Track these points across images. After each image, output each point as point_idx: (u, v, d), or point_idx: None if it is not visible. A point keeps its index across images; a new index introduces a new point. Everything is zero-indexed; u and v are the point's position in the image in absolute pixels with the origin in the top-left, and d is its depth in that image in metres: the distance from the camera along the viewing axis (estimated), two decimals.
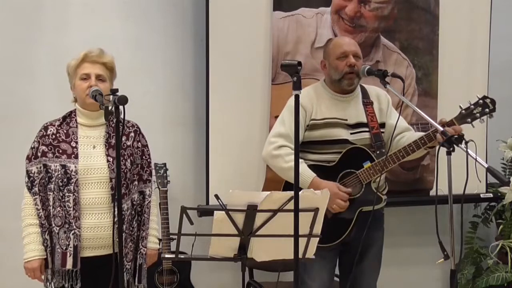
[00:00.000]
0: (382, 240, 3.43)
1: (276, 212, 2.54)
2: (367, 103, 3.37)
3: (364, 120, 3.33)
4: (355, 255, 3.24)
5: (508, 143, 4.33)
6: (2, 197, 3.75)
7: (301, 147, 3.21)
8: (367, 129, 3.32)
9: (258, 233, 2.58)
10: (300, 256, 2.55)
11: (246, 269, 2.89)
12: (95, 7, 3.90)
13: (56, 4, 3.85)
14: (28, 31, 3.82)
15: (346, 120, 3.30)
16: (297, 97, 2.41)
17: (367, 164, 3.24)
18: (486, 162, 3.25)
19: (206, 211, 3.52)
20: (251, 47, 3.92)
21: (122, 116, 2.57)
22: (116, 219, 2.88)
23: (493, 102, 3.10)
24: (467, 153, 2.83)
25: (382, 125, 3.39)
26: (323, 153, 3.27)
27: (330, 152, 3.26)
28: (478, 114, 3.11)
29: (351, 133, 3.29)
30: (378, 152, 3.27)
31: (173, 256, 2.89)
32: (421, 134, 3.30)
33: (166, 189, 3.77)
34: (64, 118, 3.06)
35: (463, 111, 3.12)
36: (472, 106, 3.11)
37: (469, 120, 3.14)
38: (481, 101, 3.09)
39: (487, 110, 3.10)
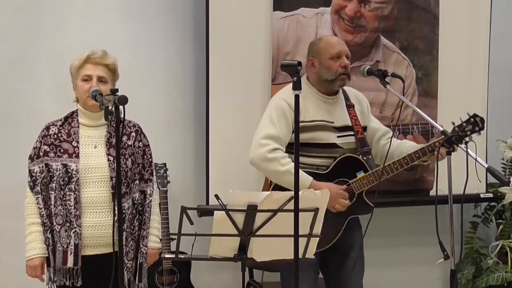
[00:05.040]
0: (362, 237, 3.39)
1: (276, 212, 2.54)
2: (350, 105, 3.35)
3: (349, 123, 3.30)
4: (339, 256, 3.27)
5: (508, 143, 4.34)
6: (2, 196, 3.75)
7: (289, 149, 3.17)
8: (352, 133, 3.30)
9: (258, 233, 2.58)
10: (300, 256, 2.55)
11: (246, 269, 2.88)
12: (95, 7, 3.90)
13: (57, 4, 3.85)
14: (28, 31, 3.82)
15: (333, 122, 3.26)
16: (297, 97, 2.41)
17: (360, 174, 3.24)
18: (486, 162, 3.25)
19: (206, 211, 3.52)
20: (251, 47, 3.92)
21: (122, 115, 2.58)
22: (116, 217, 2.90)
23: (482, 120, 3.09)
24: (467, 153, 2.83)
25: (364, 128, 3.37)
26: (311, 156, 3.23)
27: (318, 156, 3.23)
28: (468, 132, 3.09)
29: (338, 136, 3.27)
30: (364, 158, 3.27)
31: (173, 256, 2.89)
32: (413, 144, 3.32)
33: (166, 189, 3.77)
34: (66, 118, 3.06)
35: (456, 128, 3.11)
36: (464, 124, 3.10)
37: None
38: (472, 119, 3.09)
39: (476, 128, 3.09)
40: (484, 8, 4.29)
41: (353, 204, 3.23)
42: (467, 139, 3.01)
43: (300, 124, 3.14)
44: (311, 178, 3.16)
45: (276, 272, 3.86)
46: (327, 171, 3.24)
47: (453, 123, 3.10)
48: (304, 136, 3.17)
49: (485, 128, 3.16)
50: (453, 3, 4.23)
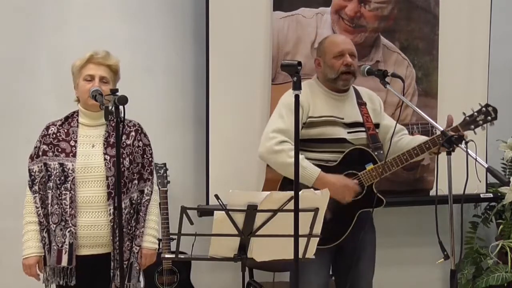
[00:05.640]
0: (375, 240, 3.41)
1: (276, 212, 2.54)
2: (361, 103, 3.35)
3: (360, 119, 3.31)
4: (350, 257, 3.25)
5: (508, 143, 4.34)
6: (2, 196, 3.75)
7: (300, 146, 3.18)
8: (363, 129, 3.30)
9: (258, 233, 2.58)
10: (300, 256, 2.55)
11: (246, 269, 2.88)
12: (95, 7, 3.90)
13: (57, 4, 3.85)
14: (28, 31, 3.82)
15: (343, 118, 3.27)
16: (297, 97, 2.41)
17: (369, 166, 3.22)
18: (486, 162, 3.25)
19: (206, 211, 3.51)
20: (251, 47, 3.92)
21: (122, 115, 2.58)
22: (111, 217, 2.90)
23: (495, 110, 3.10)
24: (467, 153, 2.83)
25: (376, 125, 3.37)
26: (321, 151, 3.23)
27: (328, 151, 3.23)
28: (481, 122, 3.10)
29: (348, 132, 3.27)
30: (376, 153, 3.26)
31: (173, 256, 2.89)
32: (425, 138, 3.31)
33: (166, 189, 3.77)
34: (67, 118, 3.07)
35: (467, 118, 3.11)
36: (476, 114, 3.10)
37: (472, 127, 3.14)
38: (484, 109, 3.09)
39: (489, 118, 3.09)
40: (484, 8, 4.30)
41: (363, 197, 3.21)
42: (479, 129, 3.01)
43: (309, 119, 3.22)
44: (319, 170, 3.15)
45: (276, 272, 3.87)
46: (335, 163, 3.23)
47: (464, 113, 3.10)
48: (312, 132, 3.21)
49: (485, 126, 3.16)
50: (453, 3, 4.23)
